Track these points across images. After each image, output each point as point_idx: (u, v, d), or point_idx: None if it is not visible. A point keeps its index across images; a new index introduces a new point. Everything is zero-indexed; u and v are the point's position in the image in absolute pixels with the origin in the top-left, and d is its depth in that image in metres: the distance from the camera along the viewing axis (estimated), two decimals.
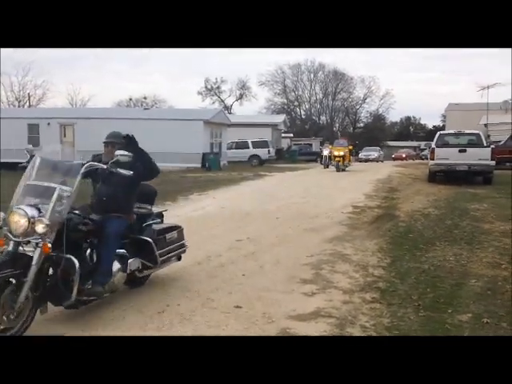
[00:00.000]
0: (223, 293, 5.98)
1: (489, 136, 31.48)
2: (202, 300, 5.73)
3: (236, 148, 38.79)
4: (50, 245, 4.61)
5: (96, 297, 5.20)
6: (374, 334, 4.83)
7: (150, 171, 5.74)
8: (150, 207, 6.23)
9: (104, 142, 6.01)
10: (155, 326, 5.00)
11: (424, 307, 5.49)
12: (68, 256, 4.79)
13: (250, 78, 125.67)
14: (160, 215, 6.57)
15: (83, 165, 5.35)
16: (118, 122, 31.58)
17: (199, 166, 30.45)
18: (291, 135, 60.61)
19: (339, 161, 26.31)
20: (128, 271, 5.56)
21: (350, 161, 28.36)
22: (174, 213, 11.94)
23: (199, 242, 8.62)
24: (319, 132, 70.11)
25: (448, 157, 18.36)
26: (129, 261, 5.55)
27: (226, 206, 13.04)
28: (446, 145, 19.39)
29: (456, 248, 8.14)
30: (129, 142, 5.54)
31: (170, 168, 29.87)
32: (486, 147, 18.62)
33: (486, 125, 40.19)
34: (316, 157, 42.95)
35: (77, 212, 5.22)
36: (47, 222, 4.58)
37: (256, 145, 38.64)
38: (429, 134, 73.83)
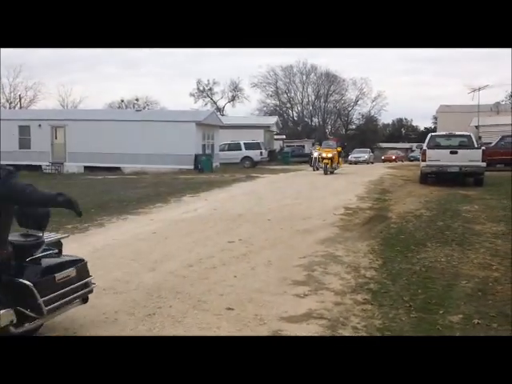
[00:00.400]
0: (215, 295, 5.97)
1: (480, 138, 31.66)
2: (193, 302, 5.72)
3: (228, 150, 38.77)
4: None
5: None
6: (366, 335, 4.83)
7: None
8: (40, 234, 4.84)
9: None
10: (146, 328, 4.99)
11: (415, 308, 5.50)
12: None
13: (243, 79, 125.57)
14: (57, 244, 5.15)
15: None
16: (109, 123, 31.64)
17: (191, 167, 30.42)
18: (283, 137, 60.73)
19: (327, 163, 25.13)
20: None
21: (339, 163, 27.00)
22: (166, 215, 11.95)
23: (191, 244, 8.63)
24: (311, 134, 70.15)
25: (439, 158, 18.42)
26: None
27: (218, 207, 13.04)
28: (438, 146, 19.47)
29: (447, 249, 8.16)
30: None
31: (162, 170, 29.94)
32: (477, 149, 18.71)
33: (477, 126, 40.32)
34: (308, 159, 42.93)
35: None
36: None
37: (248, 146, 38.64)
38: (420, 135, 74.09)
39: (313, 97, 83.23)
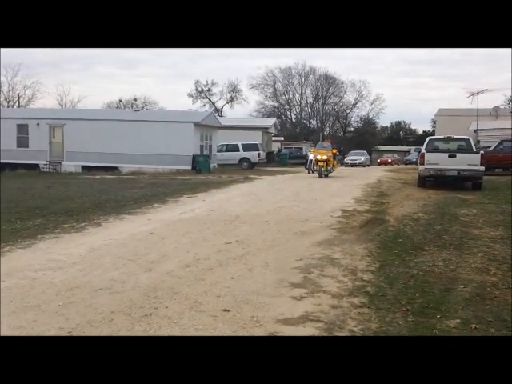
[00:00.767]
0: (211, 296, 5.94)
1: (478, 141, 31.70)
2: (190, 303, 5.69)
3: (226, 151, 38.78)
4: None
5: None
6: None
7: None
8: None
9: None
10: (143, 328, 4.95)
11: (413, 312, 5.48)
12: None
13: (241, 80, 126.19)
14: None
15: None
16: (107, 123, 31.65)
17: (189, 168, 30.42)
18: (282, 138, 60.72)
19: (322, 165, 24.12)
20: None
21: (334, 165, 25.91)
22: (163, 215, 11.91)
23: (188, 245, 8.60)
24: (310, 136, 70.21)
25: (438, 162, 18.43)
26: None
27: (215, 208, 13.01)
28: (436, 150, 19.49)
29: (445, 253, 8.14)
30: None
31: (159, 170, 29.93)
32: (475, 153, 18.72)
33: (475, 130, 40.42)
34: (304, 161, 42.72)
35: None
36: None
37: (246, 148, 38.62)
38: (419, 138, 74.35)
39: (311, 99, 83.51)
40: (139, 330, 4.90)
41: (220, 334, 4.82)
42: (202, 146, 32.89)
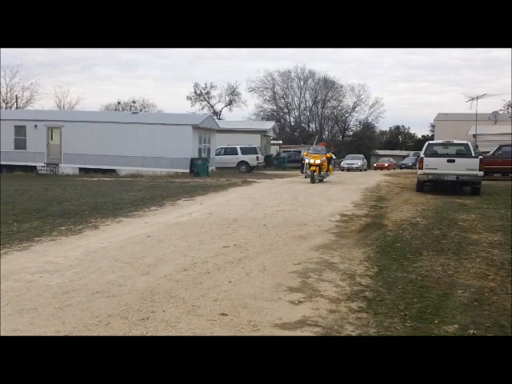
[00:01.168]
0: (209, 300, 5.91)
1: (477, 146, 31.71)
2: (187, 307, 5.66)
3: (225, 154, 38.76)
4: None
5: None
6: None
7: None
8: None
9: None
10: (139, 332, 4.92)
11: (411, 317, 5.45)
12: None
13: (240, 83, 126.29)
14: None
15: None
16: (105, 125, 31.61)
17: (187, 171, 30.41)
18: (280, 142, 60.80)
19: (315, 170, 22.96)
20: None
21: (328, 170, 24.65)
22: (161, 218, 11.89)
23: (185, 248, 8.57)
24: (308, 139, 70.23)
25: (436, 166, 18.44)
26: None
27: (213, 212, 12.99)
28: (435, 154, 19.50)
29: (443, 258, 8.12)
30: None
31: (157, 173, 29.91)
32: (474, 157, 18.72)
33: (474, 135, 40.48)
34: (300, 164, 42.55)
35: None
36: None
37: (245, 151, 38.61)
38: (418, 143, 74.46)
39: (310, 102, 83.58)
40: (136, 334, 4.87)
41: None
42: (200, 149, 32.85)
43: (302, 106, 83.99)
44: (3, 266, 7.21)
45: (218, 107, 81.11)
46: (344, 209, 13.66)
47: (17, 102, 60.97)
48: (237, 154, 38.62)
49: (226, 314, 5.44)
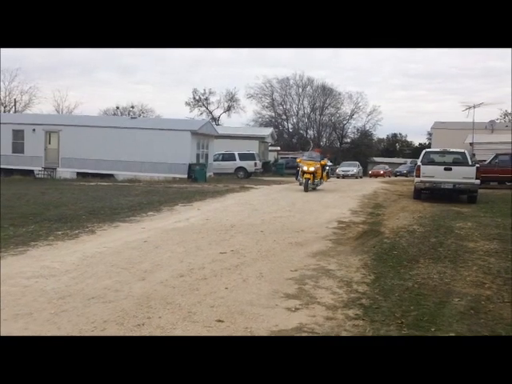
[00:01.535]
0: (205, 306, 5.90)
1: (474, 155, 31.81)
2: (183, 313, 5.64)
3: (222, 160, 38.78)
4: None
5: None
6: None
7: None
8: None
9: None
10: None
11: (407, 325, 5.45)
12: None
13: (239, 90, 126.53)
14: None
15: None
16: (104, 130, 31.62)
17: (185, 176, 30.41)
18: (278, 148, 60.88)
19: (309, 178, 21.79)
20: None
21: (322, 178, 23.54)
22: (158, 224, 11.87)
23: (182, 254, 8.56)
24: (306, 146, 70.32)
25: (433, 174, 18.49)
26: None
27: (210, 217, 12.98)
28: (432, 162, 19.55)
29: (440, 266, 8.12)
30: None
31: (155, 178, 29.90)
32: (471, 166, 18.77)
33: (471, 144, 40.54)
34: (296, 171, 42.45)
35: None
36: None
37: (243, 157, 38.64)
38: (415, 151, 74.57)
39: (308, 109, 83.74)
40: None
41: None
42: (198, 155, 32.87)
43: (300, 112, 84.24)
44: None
45: (216, 113, 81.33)
46: (341, 216, 13.67)
47: (15, 105, 61.00)
48: (235, 160, 38.65)
49: (223, 321, 5.42)
